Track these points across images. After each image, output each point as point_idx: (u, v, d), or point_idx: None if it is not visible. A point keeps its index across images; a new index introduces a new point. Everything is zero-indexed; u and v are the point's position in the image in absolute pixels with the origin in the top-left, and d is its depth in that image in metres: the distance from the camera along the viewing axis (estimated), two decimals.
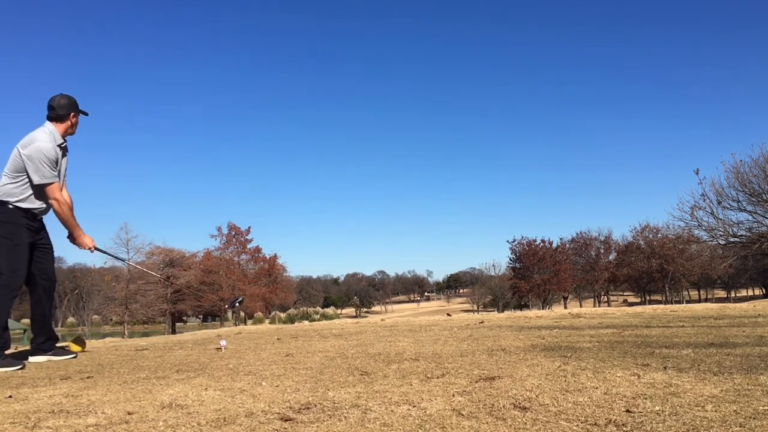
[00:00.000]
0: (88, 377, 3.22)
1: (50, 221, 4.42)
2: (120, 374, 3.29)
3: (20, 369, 3.82)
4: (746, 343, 3.58)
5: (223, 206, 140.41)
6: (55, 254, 4.50)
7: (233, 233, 59.80)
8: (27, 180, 4.13)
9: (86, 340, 5.24)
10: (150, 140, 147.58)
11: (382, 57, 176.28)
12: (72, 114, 4.34)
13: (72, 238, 4.43)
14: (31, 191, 4.16)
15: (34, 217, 4.23)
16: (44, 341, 4.35)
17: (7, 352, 4.08)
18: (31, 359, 4.21)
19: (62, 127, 4.30)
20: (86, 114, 4.47)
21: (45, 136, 4.17)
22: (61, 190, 4.30)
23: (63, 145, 4.31)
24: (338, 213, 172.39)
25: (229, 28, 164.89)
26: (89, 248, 4.49)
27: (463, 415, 2.01)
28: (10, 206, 4.11)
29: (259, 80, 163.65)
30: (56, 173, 4.20)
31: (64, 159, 4.37)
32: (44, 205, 4.26)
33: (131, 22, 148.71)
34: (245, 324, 35.68)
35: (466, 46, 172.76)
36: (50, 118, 4.28)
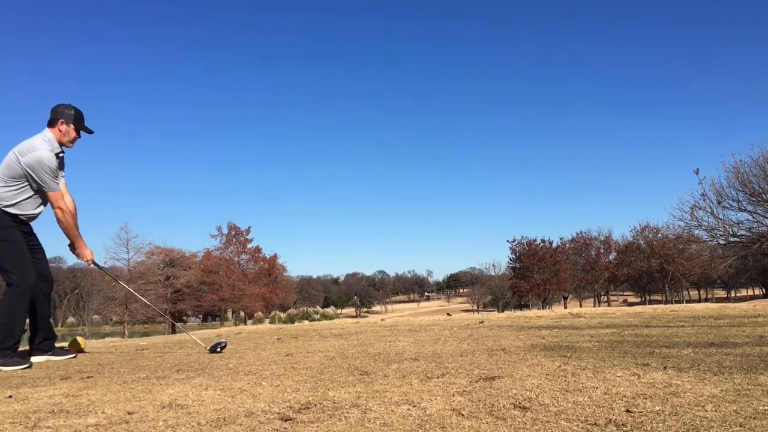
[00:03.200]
0: (88, 377, 3.22)
1: (39, 224, 4.44)
2: (120, 374, 3.29)
3: (27, 367, 3.83)
4: (746, 343, 3.58)
5: (223, 206, 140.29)
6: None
7: (233, 233, 59.85)
8: (20, 187, 4.10)
9: (86, 341, 5.23)
10: (150, 140, 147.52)
11: (382, 56, 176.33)
12: (61, 121, 4.21)
13: (72, 247, 4.42)
14: (22, 198, 4.13)
15: (21, 223, 4.21)
16: (42, 341, 4.35)
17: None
18: (30, 359, 4.21)
19: (55, 133, 4.22)
20: (89, 131, 4.38)
21: (43, 144, 4.12)
22: (63, 198, 4.29)
23: (58, 153, 4.23)
24: (338, 213, 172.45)
25: (229, 28, 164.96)
26: (87, 261, 4.51)
27: (463, 415, 2.01)
28: None
29: (260, 80, 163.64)
30: (58, 182, 4.19)
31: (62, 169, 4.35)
32: (33, 213, 4.25)
33: (130, 21, 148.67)
34: (245, 324, 35.68)
35: (465, 45, 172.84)
36: (48, 123, 4.25)
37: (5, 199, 4.09)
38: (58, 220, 4.25)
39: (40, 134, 4.20)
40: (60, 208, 4.19)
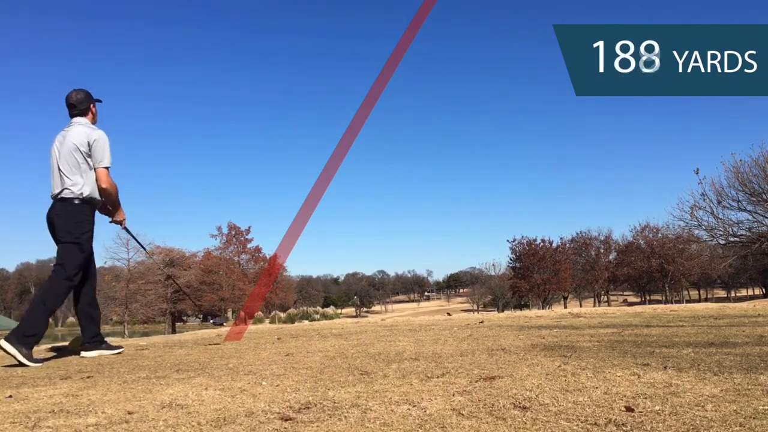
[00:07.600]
0: (88, 377, 3.23)
1: None
2: (120, 374, 3.29)
3: (120, 352, 4.38)
4: (746, 342, 3.58)
5: (223, 206, 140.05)
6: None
7: (233, 233, 59.86)
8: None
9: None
10: (150, 140, 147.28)
11: (380, 56, 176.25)
12: (92, 104, 4.49)
13: (111, 213, 4.62)
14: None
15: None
16: (95, 335, 4.44)
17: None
18: (84, 354, 4.33)
19: (90, 118, 4.47)
20: (100, 101, 4.59)
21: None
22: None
23: None
24: (338, 213, 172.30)
25: (229, 26, 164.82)
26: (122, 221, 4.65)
27: (463, 414, 2.01)
28: (77, 201, 4.26)
29: (260, 79, 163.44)
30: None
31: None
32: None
33: (129, 20, 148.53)
34: (245, 324, 35.66)
35: (465, 43, 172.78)
36: (76, 115, 4.38)
37: (89, 189, 4.31)
38: (109, 192, 4.38)
39: (81, 125, 4.34)
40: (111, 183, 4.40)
